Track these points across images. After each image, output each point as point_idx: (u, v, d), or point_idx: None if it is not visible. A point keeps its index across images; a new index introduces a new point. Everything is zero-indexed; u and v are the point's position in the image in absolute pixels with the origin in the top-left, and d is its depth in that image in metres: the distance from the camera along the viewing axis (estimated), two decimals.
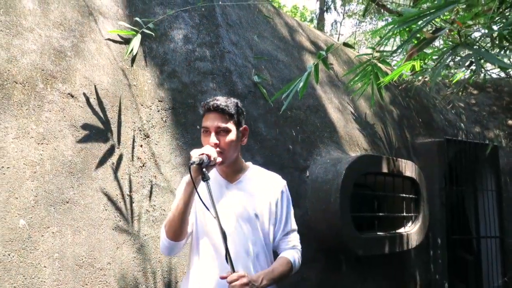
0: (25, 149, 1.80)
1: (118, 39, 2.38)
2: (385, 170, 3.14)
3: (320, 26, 10.16)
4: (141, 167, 2.24)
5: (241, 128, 1.68)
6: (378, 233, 3.11)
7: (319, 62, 2.49)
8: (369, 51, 7.90)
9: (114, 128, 2.17)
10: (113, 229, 2.02)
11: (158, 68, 2.49)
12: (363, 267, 3.18)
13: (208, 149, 1.48)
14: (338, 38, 9.09)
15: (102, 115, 2.15)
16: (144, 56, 2.46)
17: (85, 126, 2.07)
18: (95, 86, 2.15)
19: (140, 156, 2.24)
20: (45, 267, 1.72)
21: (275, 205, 1.71)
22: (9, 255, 1.62)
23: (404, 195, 3.41)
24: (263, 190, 1.70)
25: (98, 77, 2.18)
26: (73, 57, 2.12)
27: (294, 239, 1.77)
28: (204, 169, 1.44)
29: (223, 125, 1.55)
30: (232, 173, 1.68)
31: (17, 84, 1.86)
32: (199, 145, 2.97)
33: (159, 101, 2.42)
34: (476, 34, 3.39)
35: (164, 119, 2.41)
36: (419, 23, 1.82)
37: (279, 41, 3.50)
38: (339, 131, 3.45)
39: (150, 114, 2.36)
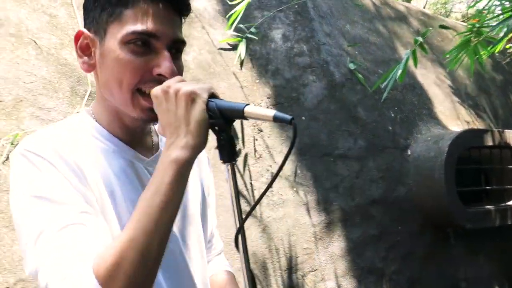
0: None
1: (228, 47, 2.85)
2: (490, 143, 3.33)
3: None
4: (258, 158, 2.71)
5: None
6: (486, 206, 3.33)
7: (416, 47, 2.77)
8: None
9: (234, 126, 2.66)
10: (242, 213, 2.52)
11: (263, 68, 2.93)
12: (473, 241, 3.42)
13: (208, 84, 0.82)
14: (425, 5, 8.92)
15: None
16: (250, 58, 2.91)
17: None
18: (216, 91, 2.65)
19: (257, 148, 2.71)
20: None
21: (206, 193, 1.13)
22: None
23: None
24: (198, 171, 1.11)
25: (216, 83, 2.67)
26: (195, 69, 2.62)
27: (218, 239, 1.24)
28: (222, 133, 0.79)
29: (182, 37, 0.89)
30: (144, 138, 0.97)
31: None
32: (308, 136, 3.35)
33: (267, 97, 2.86)
34: None
35: None
36: None
37: (369, 23, 3.78)
38: (438, 107, 3.68)
39: None
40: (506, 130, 3.54)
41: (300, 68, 3.03)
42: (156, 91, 0.78)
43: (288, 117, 0.71)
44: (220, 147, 0.80)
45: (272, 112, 0.72)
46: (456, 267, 3.30)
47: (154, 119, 0.84)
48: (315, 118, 2.97)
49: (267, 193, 2.68)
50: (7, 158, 1.78)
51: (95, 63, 0.88)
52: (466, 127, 3.67)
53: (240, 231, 0.82)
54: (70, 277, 0.68)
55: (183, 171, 0.75)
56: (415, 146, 3.21)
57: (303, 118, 2.94)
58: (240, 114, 0.75)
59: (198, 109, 0.75)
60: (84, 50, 0.89)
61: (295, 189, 2.74)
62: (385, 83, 2.59)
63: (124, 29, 0.83)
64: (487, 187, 3.44)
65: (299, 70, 3.02)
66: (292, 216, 2.68)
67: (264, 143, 2.76)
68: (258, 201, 0.84)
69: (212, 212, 1.17)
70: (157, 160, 0.78)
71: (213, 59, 2.74)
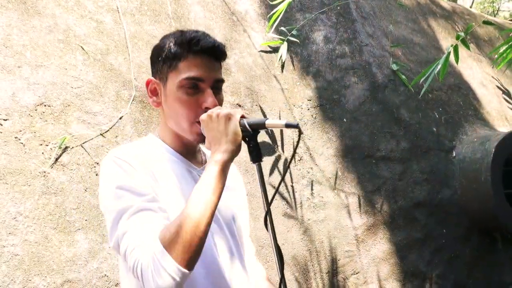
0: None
1: (269, 49, 2.77)
2: None
3: None
4: (299, 160, 2.62)
5: None
6: None
7: (458, 43, 2.60)
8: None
9: (274, 128, 2.58)
10: (283, 215, 2.44)
11: (304, 70, 2.84)
12: None
13: (238, 110, 1.03)
14: (472, 4, 8.53)
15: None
16: (291, 61, 2.82)
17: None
18: (256, 94, 2.58)
19: (297, 151, 2.62)
20: None
21: (245, 200, 1.34)
22: None
23: None
24: (232, 177, 1.23)
25: (257, 86, 2.61)
26: (236, 72, 2.56)
27: (250, 242, 1.37)
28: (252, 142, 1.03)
29: (221, 77, 1.13)
30: (194, 151, 1.19)
31: None
32: (350, 138, 3.26)
33: (308, 100, 2.77)
34: None
35: (313, 115, 2.76)
36: None
37: (413, 23, 3.61)
38: (484, 108, 3.47)
39: (301, 113, 2.72)
40: None
41: (342, 69, 2.92)
42: (204, 116, 1.04)
43: (295, 123, 0.96)
44: (250, 152, 1.05)
45: (283, 122, 0.97)
46: (503, 272, 3.10)
47: (203, 140, 1.07)
48: (356, 120, 2.85)
49: (307, 196, 2.59)
50: (55, 161, 1.78)
51: (161, 101, 1.15)
52: None
53: (268, 214, 1.03)
54: (143, 243, 0.93)
55: (224, 167, 0.99)
56: (460, 148, 3.04)
57: (345, 120, 2.83)
58: (263, 126, 1.01)
59: (234, 124, 1.01)
60: (153, 92, 1.16)
61: (336, 191, 2.64)
62: (423, 79, 2.45)
63: (180, 76, 1.10)
64: None
65: (340, 72, 2.91)
66: (333, 218, 2.58)
67: (304, 145, 2.67)
68: (276, 190, 1.15)
69: (246, 219, 1.35)
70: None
71: (254, 61, 2.67)
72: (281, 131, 2.62)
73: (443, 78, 2.91)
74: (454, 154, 3.04)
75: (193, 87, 1.09)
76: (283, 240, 2.39)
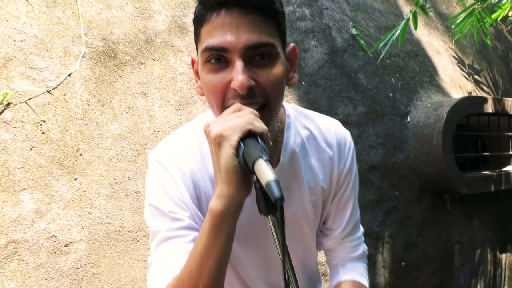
0: (168, 115, 2.17)
1: None
2: (489, 110, 3.13)
3: None
4: None
5: (287, 49, 0.85)
6: (482, 172, 3.16)
7: (418, 10, 2.54)
8: None
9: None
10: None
11: None
12: (468, 206, 3.26)
13: (247, 117, 0.67)
14: None
15: None
16: None
17: None
18: None
19: None
20: None
21: (335, 183, 0.98)
22: None
23: (510, 133, 3.37)
24: (318, 166, 0.94)
25: None
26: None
27: (356, 239, 1.06)
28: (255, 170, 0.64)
29: (264, 39, 0.74)
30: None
31: (155, 61, 2.22)
32: (308, 101, 3.20)
33: None
34: None
35: None
36: None
37: None
38: (439, 75, 3.46)
39: None
40: (504, 98, 3.33)
41: (302, 32, 2.82)
42: (204, 127, 0.71)
43: (275, 194, 0.56)
44: (257, 198, 0.65)
45: (268, 178, 0.58)
46: (451, 232, 3.16)
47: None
48: (315, 84, 2.78)
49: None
50: None
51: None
52: (466, 95, 3.45)
53: (285, 276, 0.66)
54: (152, 285, 0.78)
55: (218, 221, 0.69)
56: (415, 113, 3.02)
57: (303, 83, 2.75)
58: (250, 165, 0.62)
59: (224, 155, 0.66)
60: (197, 75, 0.84)
61: None
62: (382, 44, 2.40)
63: (201, 48, 0.77)
64: (484, 154, 3.26)
65: (300, 35, 2.81)
66: None
67: None
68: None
69: (340, 207, 1.02)
70: (278, 173, 0.65)
71: None
72: None
73: (401, 44, 2.86)
74: (408, 119, 3.03)
75: (217, 61, 0.74)
76: None
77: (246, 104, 0.72)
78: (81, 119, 1.78)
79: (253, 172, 0.61)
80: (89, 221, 1.70)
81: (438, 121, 2.81)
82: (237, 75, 0.71)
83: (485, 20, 2.81)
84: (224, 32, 0.72)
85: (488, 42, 3.74)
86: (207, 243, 0.70)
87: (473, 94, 3.54)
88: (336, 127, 0.99)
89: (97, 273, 1.69)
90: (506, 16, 4.37)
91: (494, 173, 3.17)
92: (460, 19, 2.91)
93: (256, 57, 0.74)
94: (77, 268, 1.63)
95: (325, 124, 0.98)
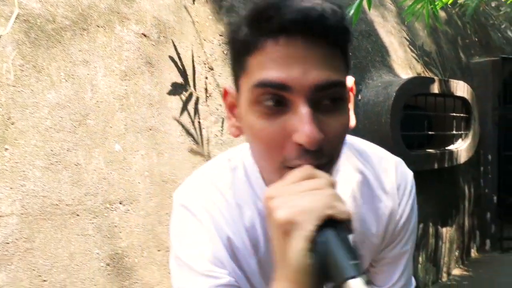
0: (112, 85, 2.05)
1: None
2: (435, 91, 3.18)
3: None
4: (208, 97, 2.45)
5: (349, 86, 0.67)
6: (427, 150, 3.22)
7: None
8: None
9: (183, 62, 2.37)
10: (189, 152, 2.29)
11: (217, 3, 2.61)
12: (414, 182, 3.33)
13: (326, 197, 0.49)
14: None
15: (172, 52, 2.34)
16: None
17: (158, 62, 2.28)
18: (164, 25, 2.33)
19: (206, 87, 2.45)
20: (138, 182, 2.03)
21: (389, 236, 0.81)
22: (111, 173, 1.93)
23: (454, 114, 3.45)
24: (369, 217, 0.78)
25: (165, 16, 2.35)
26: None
27: None
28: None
29: (335, 77, 0.56)
30: None
31: (99, 28, 2.08)
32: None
33: (220, 35, 2.57)
34: None
35: (225, 52, 2.57)
36: None
37: None
38: (391, 55, 3.47)
39: (213, 48, 2.52)
40: (451, 80, 3.39)
41: None
42: (265, 200, 0.52)
43: None
44: None
45: None
46: None
47: None
48: None
49: (215, 133, 2.45)
50: None
51: (240, 126, 0.63)
52: (416, 75, 3.49)
53: None
54: None
55: None
56: (366, 91, 3.02)
57: None
58: (338, 282, 0.44)
59: (295, 250, 0.47)
60: (231, 109, 0.65)
61: None
62: None
63: (250, 82, 0.56)
64: (429, 133, 3.33)
65: None
66: None
67: (214, 82, 2.50)
68: None
69: (392, 263, 0.81)
70: None
71: None
72: (194, 68, 2.41)
73: (355, 24, 2.83)
74: (359, 97, 3.02)
75: (275, 103, 0.54)
76: (187, 175, 2.25)
77: (315, 166, 0.54)
78: (13, 86, 1.64)
79: (336, 285, 0.44)
80: (21, 194, 1.58)
81: (387, 100, 2.82)
82: (305, 125, 0.52)
83: (436, 3, 2.82)
84: (286, 65, 0.52)
85: (439, 25, 3.78)
86: None
87: (422, 75, 3.58)
88: (397, 167, 0.82)
89: (31, 248, 1.59)
90: (456, 1, 4.44)
91: (438, 152, 3.24)
92: (413, 1, 2.90)
93: (324, 100, 0.55)
94: (7, 243, 1.52)
95: (383, 165, 0.82)
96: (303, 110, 0.53)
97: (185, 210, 0.69)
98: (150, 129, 2.16)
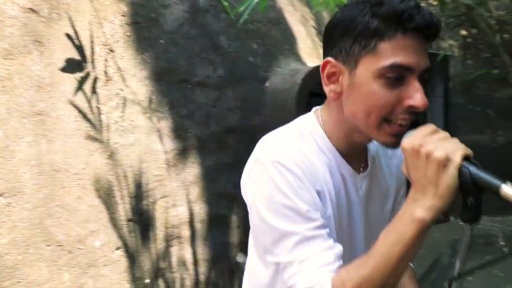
0: None
1: None
2: None
3: None
4: (108, 80, 2.29)
5: None
6: None
7: None
8: None
9: (79, 43, 2.18)
10: (85, 138, 2.13)
11: None
12: None
13: (458, 142, 0.71)
14: None
15: (66, 30, 2.14)
16: None
17: (50, 41, 2.07)
18: (57, 0, 2.12)
19: (106, 70, 2.28)
20: (24, 172, 1.84)
21: (397, 198, 1.01)
22: None
23: None
24: (388, 172, 0.98)
25: None
26: None
27: None
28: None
29: (429, 64, 0.80)
30: (361, 152, 0.92)
31: None
32: (166, 60, 2.97)
33: (122, 15, 2.40)
34: None
35: (127, 33, 2.41)
36: None
37: None
38: (300, 44, 3.50)
39: (113, 29, 2.35)
40: None
41: None
42: (408, 145, 0.72)
43: None
44: (464, 207, 0.72)
45: None
46: None
47: (397, 145, 0.78)
48: (174, 43, 2.60)
49: (115, 119, 2.30)
50: None
51: (342, 91, 0.82)
52: None
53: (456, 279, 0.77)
54: (314, 286, 0.74)
55: (425, 229, 0.71)
56: (273, 79, 3.03)
57: (162, 41, 2.55)
58: (493, 190, 0.67)
59: (450, 175, 0.69)
60: (330, 77, 0.83)
61: (148, 115, 2.40)
62: (244, 8, 2.31)
63: (380, 62, 0.76)
64: None
65: None
66: (143, 142, 2.35)
67: (115, 65, 2.34)
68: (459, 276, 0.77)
69: None
70: (368, 176, 0.89)
71: None
72: (92, 50, 2.23)
73: (263, 10, 2.80)
74: (267, 84, 3.02)
75: (397, 78, 0.76)
76: (84, 164, 2.10)
77: (414, 121, 0.79)
78: None
79: (482, 191, 0.69)
80: None
81: (293, 87, 2.85)
82: (421, 95, 0.76)
83: None
84: (413, 52, 0.76)
85: None
86: (408, 247, 0.71)
87: None
88: None
89: None
90: None
91: None
92: None
93: (421, 80, 0.78)
94: None
95: None
96: (417, 85, 0.76)
97: (279, 166, 0.79)
98: (39, 114, 1.97)
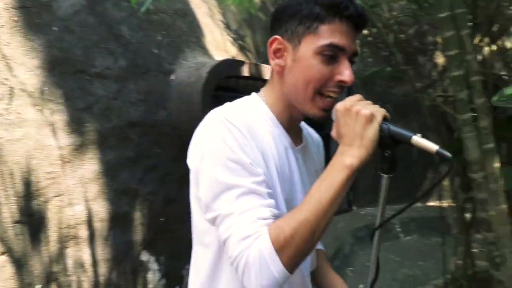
0: None
1: None
2: (246, 74, 3.29)
3: None
4: None
5: None
6: None
7: None
8: None
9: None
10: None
11: None
12: None
13: (379, 107, 0.86)
14: None
15: None
16: None
17: None
18: None
19: None
20: None
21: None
22: None
23: None
24: (317, 162, 1.11)
25: None
26: None
27: None
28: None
29: (357, 50, 0.96)
30: (298, 126, 1.03)
31: None
32: (60, 49, 2.77)
33: None
34: None
35: (14, 18, 2.20)
36: None
37: None
38: (206, 37, 3.46)
39: None
40: (262, 64, 3.56)
41: None
42: (340, 106, 0.85)
43: (449, 155, 0.78)
44: (382, 160, 0.86)
45: (435, 147, 0.78)
46: None
47: (326, 118, 0.92)
48: (69, 30, 2.42)
49: (1, 111, 2.09)
50: None
51: (285, 65, 0.93)
52: (228, 58, 3.56)
53: (378, 229, 0.89)
54: (250, 237, 0.79)
55: (352, 175, 0.82)
56: (179, 72, 2.96)
57: (55, 28, 2.36)
58: (407, 141, 0.81)
59: (373, 129, 0.82)
60: (276, 53, 0.93)
61: (39, 107, 2.21)
62: None
63: (319, 41, 0.89)
64: None
65: None
66: (33, 137, 2.16)
67: (0, 53, 2.12)
68: (393, 216, 0.89)
69: None
70: (302, 150, 1.00)
71: None
72: None
73: (168, 0, 2.71)
74: (172, 77, 2.94)
75: (332, 56, 0.90)
76: None
77: (340, 93, 0.93)
78: None
79: (400, 143, 0.83)
80: None
81: (199, 81, 2.81)
82: (349, 72, 0.90)
83: None
84: (346, 36, 0.90)
85: (252, 11, 3.92)
86: (337, 192, 0.81)
87: (237, 58, 3.67)
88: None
89: None
90: None
91: None
92: None
93: (350, 62, 0.92)
94: None
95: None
96: (348, 64, 0.90)
97: (227, 123, 0.85)
98: None
